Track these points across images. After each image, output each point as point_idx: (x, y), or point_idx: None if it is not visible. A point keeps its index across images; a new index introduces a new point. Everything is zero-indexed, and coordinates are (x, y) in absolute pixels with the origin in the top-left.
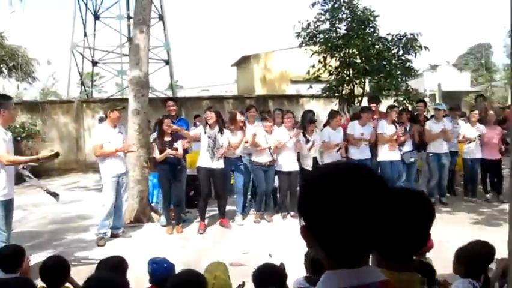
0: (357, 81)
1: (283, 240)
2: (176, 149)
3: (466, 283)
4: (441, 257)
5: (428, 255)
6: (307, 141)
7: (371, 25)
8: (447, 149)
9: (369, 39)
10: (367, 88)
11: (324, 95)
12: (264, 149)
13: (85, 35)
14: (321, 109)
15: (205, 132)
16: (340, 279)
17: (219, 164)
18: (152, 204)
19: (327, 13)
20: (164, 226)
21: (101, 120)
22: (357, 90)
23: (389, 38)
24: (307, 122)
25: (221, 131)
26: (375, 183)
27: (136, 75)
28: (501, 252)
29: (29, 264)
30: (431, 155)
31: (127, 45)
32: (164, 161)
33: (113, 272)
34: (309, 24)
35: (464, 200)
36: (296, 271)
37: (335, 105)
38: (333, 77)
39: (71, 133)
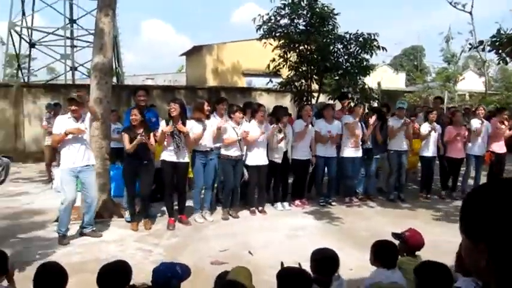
0: (316, 78)
1: (257, 236)
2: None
3: (469, 281)
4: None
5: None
6: (280, 130)
7: (330, 23)
8: (407, 147)
9: (329, 36)
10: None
11: (282, 89)
12: (234, 142)
13: (23, 14)
14: (273, 103)
15: (167, 125)
16: None
17: (184, 158)
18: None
19: (287, 8)
20: (129, 222)
21: (48, 106)
22: (314, 86)
23: (347, 36)
24: (281, 114)
25: (184, 124)
26: None
27: (99, 62)
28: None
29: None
30: (392, 152)
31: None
32: (133, 152)
33: (117, 280)
34: (270, 18)
35: (420, 197)
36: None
37: (290, 101)
38: (292, 72)
39: (8, 119)
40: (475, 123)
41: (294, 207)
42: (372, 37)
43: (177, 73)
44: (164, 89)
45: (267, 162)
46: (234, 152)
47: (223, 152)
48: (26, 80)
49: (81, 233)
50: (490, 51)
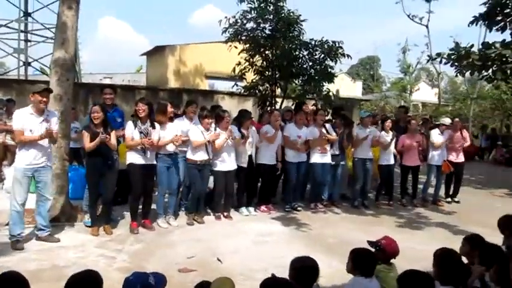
0: (281, 83)
1: (224, 242)
2: (109, 138)
3: None
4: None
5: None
6: (243, 136)
7: (296, 29)
8: (371, 155)
9: (295, 42)
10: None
11: (246, 93)
12: (202, 145)
13: None
14: (235, 107)
15: (135, 126)
16: None
17: (151, 160)
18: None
19: (253, 11)
20: (88, 226)
21: (0, 102)
22: (278, 91)
23: (313, 43)
24: (244, 117)
25: (153, 125)
26: None
27: (61, 57)
28: (427, 252)
29: None
30: (356, 159)
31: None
32: (95, 152)
33: None
34: (236, 21)
35: (379, 204)
36: (251, 274)
37: (253, 105)
38: (257, 76)
39: None
40: (435, 134)
41: (259, 212)
42: (337, 45)
43: (136, 73)
44: (125, 89)
45: (235, 167)
46: (200, 156)
47: (189, 156)
48: None
49: (37, 237)
50: (446, 63)
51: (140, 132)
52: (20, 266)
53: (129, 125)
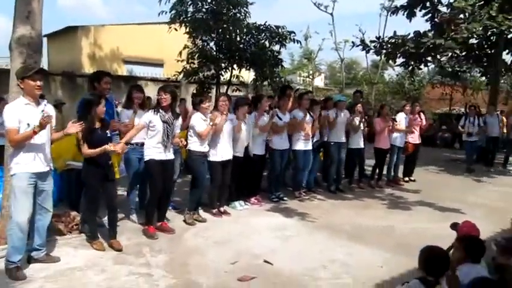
0: (225, 67)
1: (248, 241)
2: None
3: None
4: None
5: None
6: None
7: (242, 12)
8: (344, 139)
9: (240, 25)
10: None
11: (186, 80)
12: (207, 134)
13: None
14: None
15: (158, 117)
16: None
17: (171, 155)
18: None
19: None
20: (89, 241)
21: None
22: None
23: (258, 27)
24: (241, 104)
25: (174, 115)
26: None
27: (25, 34)
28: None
29: None
30: (332, 143)
31: None
32: (97, 156)
33: None
34: (181, 0)
35: (353, 187)
36: (313, 274)
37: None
38: (198, 61)
39: None
40: (401, 117)
41: (250, 205)
42: (281, 30)
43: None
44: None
45: (231, 157)
46: (205, 148)
47: (194, 148)
48: None
49: (31, 260)
50: (363, 49)
51: (164, 122)
52: None
53: (148, 115)
